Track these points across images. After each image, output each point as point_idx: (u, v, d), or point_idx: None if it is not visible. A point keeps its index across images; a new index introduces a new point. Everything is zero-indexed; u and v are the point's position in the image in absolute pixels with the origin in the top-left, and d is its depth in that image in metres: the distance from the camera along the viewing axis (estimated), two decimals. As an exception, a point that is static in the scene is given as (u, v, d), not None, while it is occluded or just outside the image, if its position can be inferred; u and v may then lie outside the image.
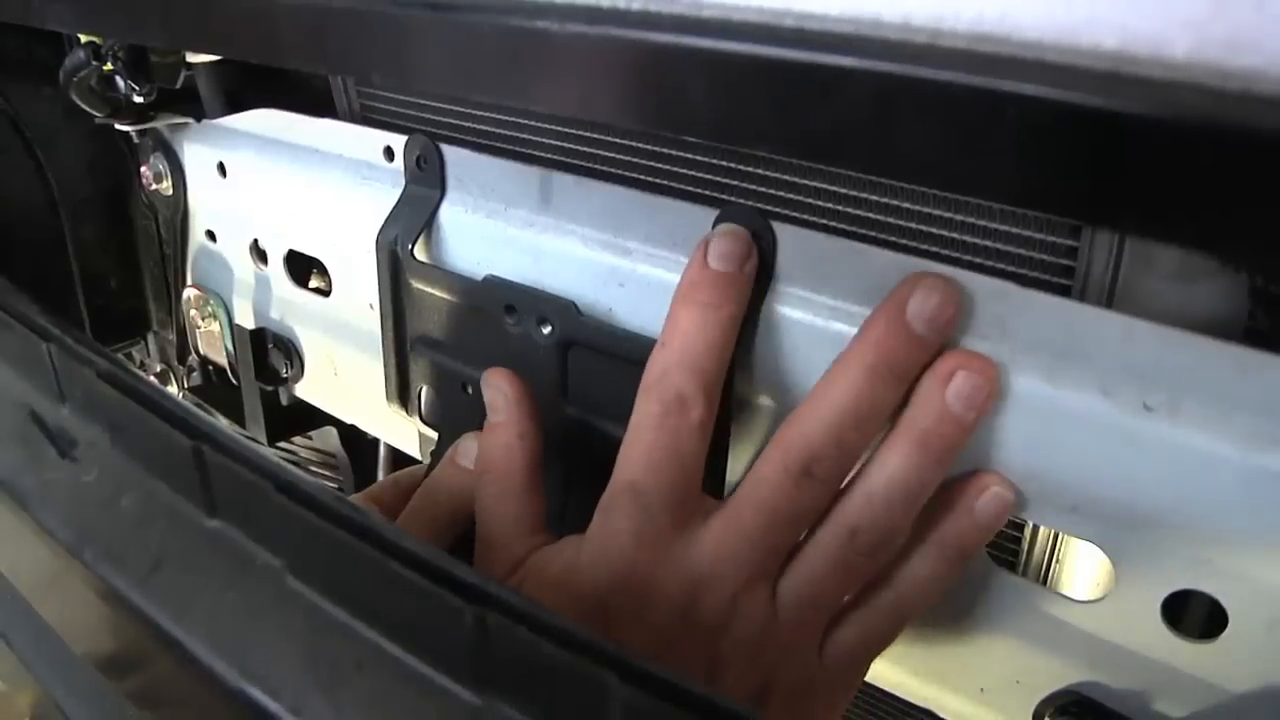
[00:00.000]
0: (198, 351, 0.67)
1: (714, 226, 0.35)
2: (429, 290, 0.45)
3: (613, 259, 0.39)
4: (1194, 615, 0.31)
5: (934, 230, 0.33)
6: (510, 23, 0.29)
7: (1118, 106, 0.20)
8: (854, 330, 0.32)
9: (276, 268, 0.58)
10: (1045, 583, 0.38)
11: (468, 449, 0.41)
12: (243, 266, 0.61)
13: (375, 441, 0.67)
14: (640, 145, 0.40)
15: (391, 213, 0.46)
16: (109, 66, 0.54)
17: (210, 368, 0.68)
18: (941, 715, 0.39)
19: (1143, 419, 0.28)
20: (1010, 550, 0.38)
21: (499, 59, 0.30)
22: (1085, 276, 0.31)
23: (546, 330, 0.40)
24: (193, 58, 0.55)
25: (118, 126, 0.60)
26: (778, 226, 0.34)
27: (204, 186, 0.61)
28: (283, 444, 0.75)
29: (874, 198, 0.34)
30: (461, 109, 0.46)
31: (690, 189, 0.39)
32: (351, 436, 0.71)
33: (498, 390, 0.38)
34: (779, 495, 0.31)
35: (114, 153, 0.67)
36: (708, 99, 0.26)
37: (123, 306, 0.71)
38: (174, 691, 0.30)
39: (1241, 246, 0.21)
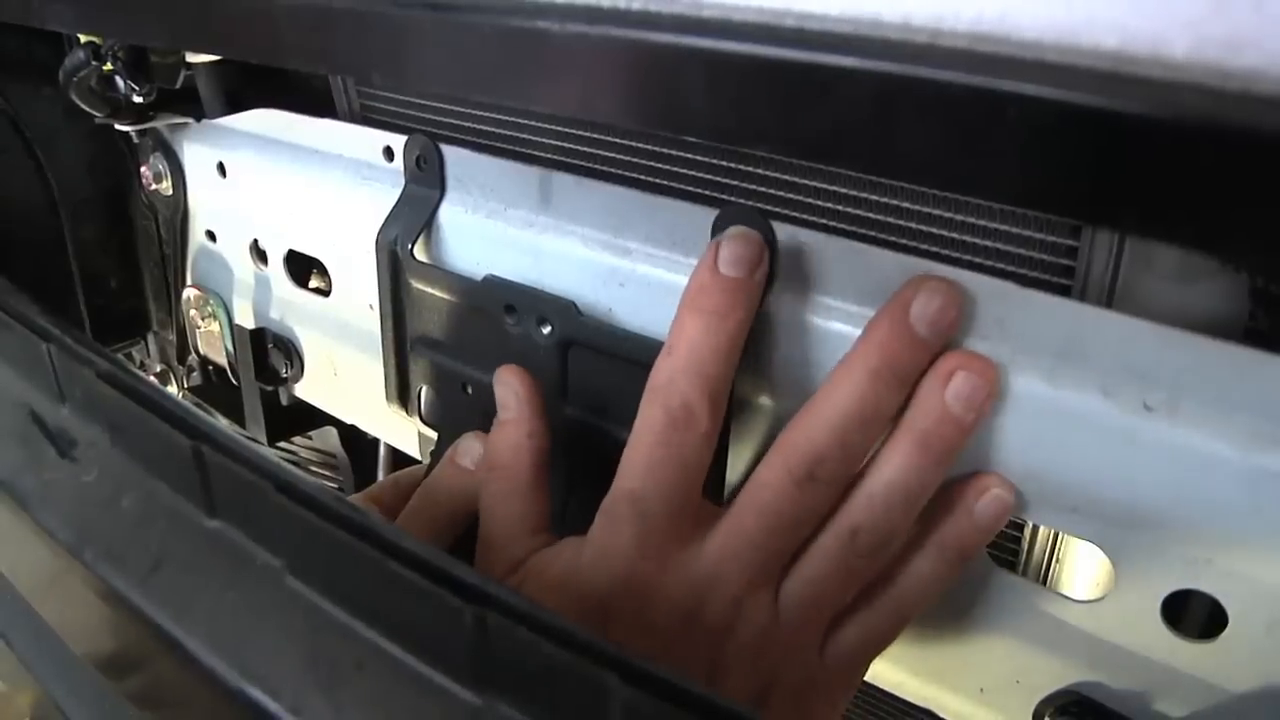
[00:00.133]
0: (198, 351, 0.67)
1: (714, 226, 0.35)
2: (429, 290, 0.45)
3: (613, 259, 0.39)
4: (1194, 615, 0.31)
5: (934, 230, 0.33)
6: (510, 23, 0.29)
7: (1118, 106, 0.20)
8: (854, 330, 0.32)
9: (276, 268, 0.58)
10: (1045, 583, 0.38)
11: (468, 449, 0.41)
12: (243, 266, 0.61)
13: (375, 441, 0.67)
14: (640, 145, 0.40)
15: (391, 213, 0.46)
16: (109, 66, 0.54)
17: (210, 368, 0.68)
18: (941, 715, 0.39)
19: (1143, 419, 0.28)
20: (1010, 550, 0.38)
21: (499, 59, 0.30)
22: (1085, 276, 0.31)
23: (546, 330, 0.40)
24: (192, 58, 0.55)
25: (118, 126, 0.60)
26: (778, 226, 0.34)
27: (204, 186, 0.61)
28: (283, 444, 0.75)
29: (874, 198, 0.34)
30: (461, 109, 0.46)
31: (690, 189, 0.39)
32: (351, 436, 0.71)
33: (509, 388, 0.38)
34: (782, 499, 0.31)
35: (114, 153, 0.67)
36: (708, 99, 0.26)
37: (123, 306, 0.71)
38: (174, 691, 0.30)
39: (1241, 246, 0.21)
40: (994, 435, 0.31)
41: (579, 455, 0.41)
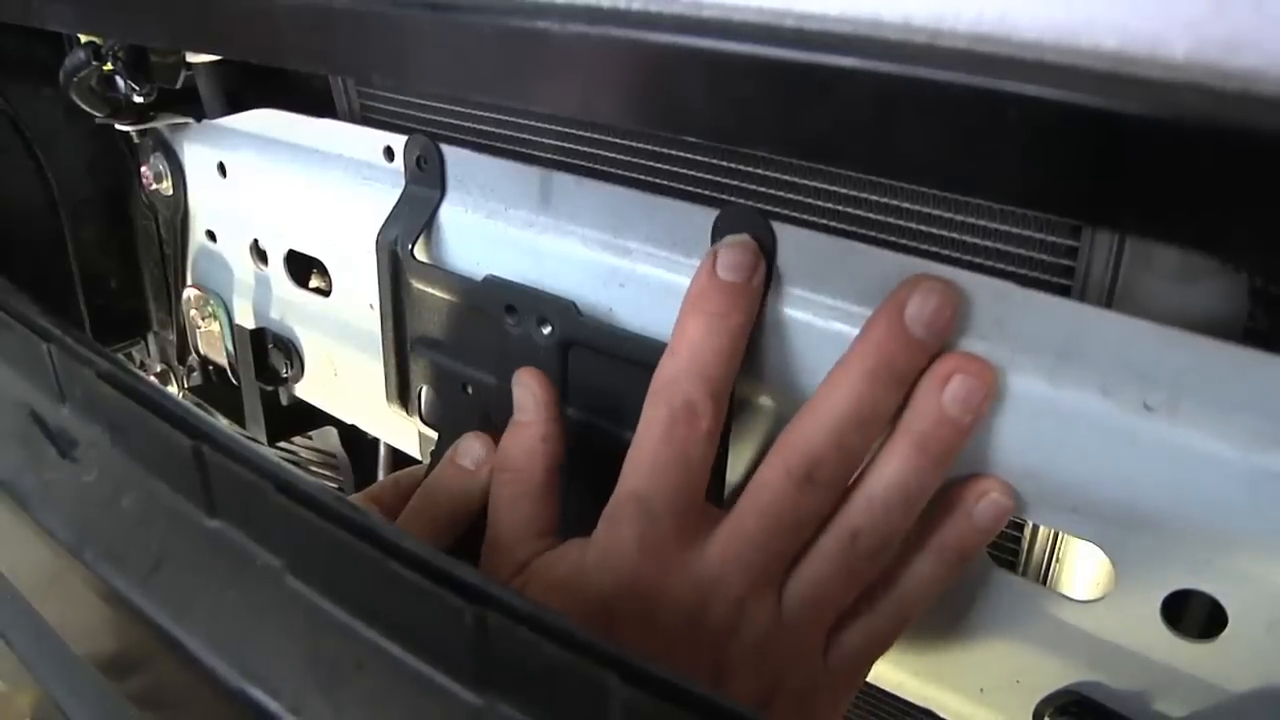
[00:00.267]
0: (198, 351, 0.67)
1: (714, 226, 0.35)
2: (429, 290, 0.45)
3: (613, 259, 0.39)
4: (1194, 615, 0.31)
5: (934, 230, 0.33)
6: (510, 23, 0.29)
7: (1117, 107, 0.20)
8: (853, 330, 0.32)
9: (277, 268, 0.58)
10: (1045, 583, 0.38)
11: (468, 449, 0.41)
12: (243, 266, 0.61)
13: (375, 441, 0.67)
14: (640, 145, 0.40)
15: (392, 213, 0.46)
16: (109, 67, 0.54)
17: (210, 368, 0.68)
18: (941, 715, 0.39)
19: (1143, 419, 0.28)
20: (1010, 550, 0.38)
21: (499, 59, 0.30)
22: (1085, 276, 0.31)
23: (546, 330, 0.40)
24: (193, 58, 0.55)
25: (118, 127, 0.60)
26: (778, 226, 0.34)
27: (204, 186, 0.61)
28: (283, 444, 0.75)
29: (874, 198, 0.34)
30: (461, 109, 0.46)
31: (690, 189, 0.39)
32: (351, 436, 0.71)
33: (527, 390, 0.38)
34: (782, 500, 0.32)
35: (114, 153, 0.67)
36: (708, 99, 0.26)
37: (123, 306, 0.71)
38: (174, 691, 0.30)
39: (1241, 246, 0.21)
40: (994, 435, 0.31)
41: (579, 455, 0.41)
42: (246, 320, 0.62)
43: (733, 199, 0.37)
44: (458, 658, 0.24)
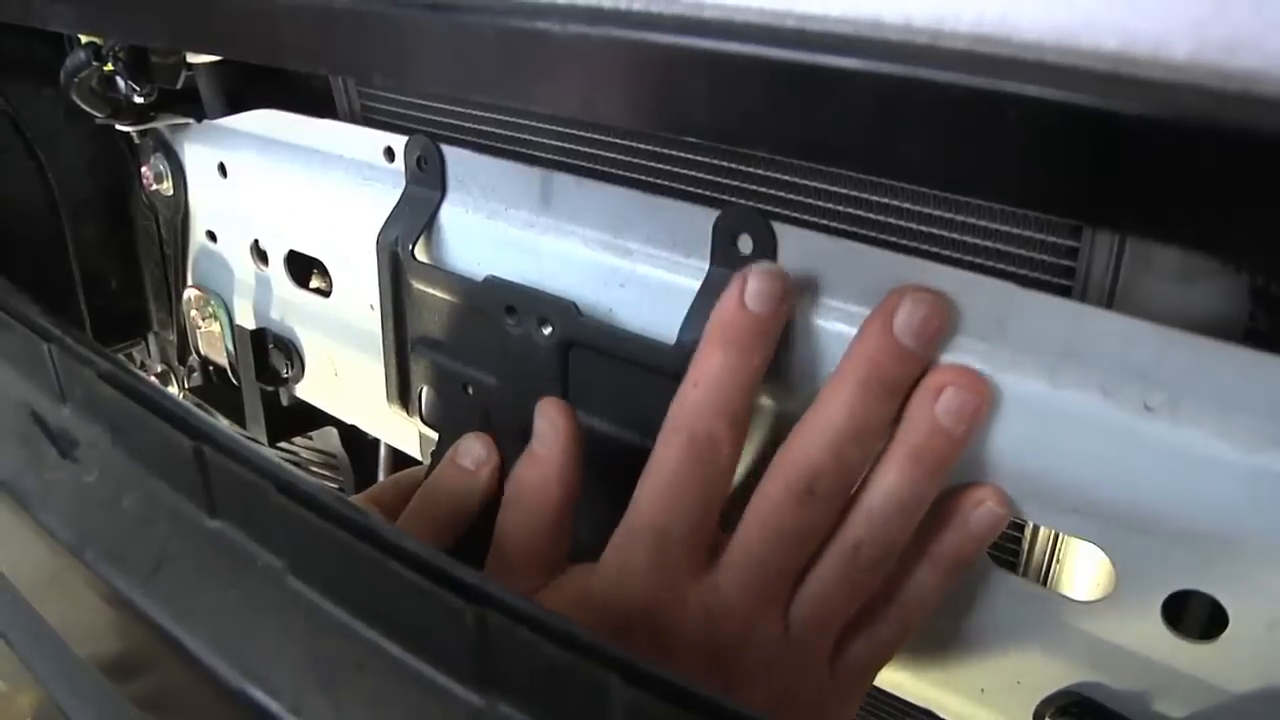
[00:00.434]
0: (198, 352, 0.67)
1: (715, 227, 0.35)
2: (429, 291, 0.45)
3: (613, 259, 0.39)
4: (1194, 615, 0.31)
5: (934, 230, 0.33)
6: (510, 23, 0.29)
7: (1118, 108, 0.20)
8: (854, 330, 0.32)
9: (277, 268, 0.58)
10: (1045, 583, 0.38)
11: (468, 449, 0.41)
12: (243, 267, 0.61)
13: (375, 442, 0.67)
14: (640, 145, 0.40)
15: (392, 213, 0.46)
16: (110, 67, 0.54)
17: (211, 368, 0.68)
18: (942, 716, 0.39)
19: (1143, 419, 0.28)
20: (1010, 550, 0.38)
21: (499, 59, 0.30)
22: (1085, 277, 0.31)
23: (547, 331, 0.40)
24: (193, 58, 0.55)
25: (118, 127, 0.60)
26: (778, 226, 0.34)
27: (204, 187, 0.61)
28: (283, 444, 0.75)
29: (874, 198, 0.34)
30: (462, 109, 0.46)
31: (690, 189, 0.39)
32: (352, 437, 0.71)
33: (549, 422, 0.37)
34: (784, 516, 0.32)
35: (114, 153, 0.67)
36: (708, 100, 0.26)
37: (123, 307, 0.71)
38: (175, 692, 0.30)
39: (1241, 247, 0.21)
40: (994, 436, 0.31)
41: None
42: (247, 320, 0.62)
43: (733, 199, 0.37)
44: (458, 658, 0.24)
